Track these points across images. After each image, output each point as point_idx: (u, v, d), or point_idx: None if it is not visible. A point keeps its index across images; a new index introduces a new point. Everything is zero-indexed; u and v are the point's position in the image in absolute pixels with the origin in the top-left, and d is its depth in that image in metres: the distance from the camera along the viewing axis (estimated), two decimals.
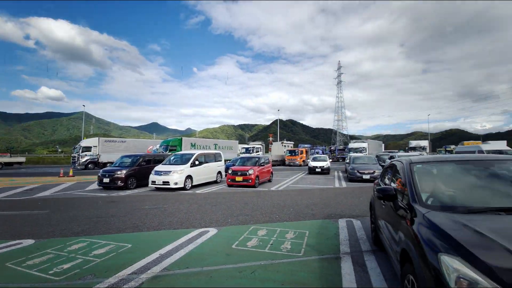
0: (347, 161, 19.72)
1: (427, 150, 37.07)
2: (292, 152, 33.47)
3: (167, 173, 11.59)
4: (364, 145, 33.14)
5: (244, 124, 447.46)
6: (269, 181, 14.57)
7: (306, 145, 52.37)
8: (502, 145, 30.09)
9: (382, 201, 3.45)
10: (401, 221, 2.55)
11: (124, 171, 12.26)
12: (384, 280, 3.18)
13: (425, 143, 39.26)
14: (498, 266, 1.43)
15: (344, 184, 13.80)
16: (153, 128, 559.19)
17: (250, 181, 12.09)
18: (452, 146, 44.57)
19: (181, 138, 24.37)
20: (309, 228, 5.51)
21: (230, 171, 12.86)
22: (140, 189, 12.26)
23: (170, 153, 17.42)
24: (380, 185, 4.27)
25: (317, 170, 19.38)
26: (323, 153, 45.47)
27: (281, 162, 34.42)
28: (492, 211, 2.12)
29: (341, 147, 52.41)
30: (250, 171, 12.25)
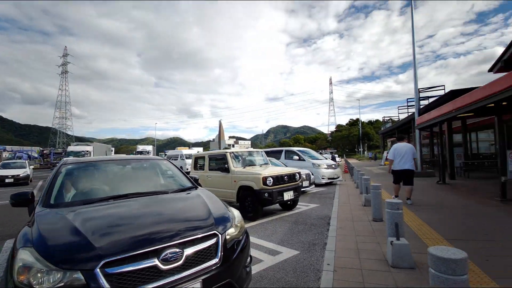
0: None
1: (151, 154, 41.82)
2: None
3: None
4: (89, 148, 29.83)
5: None
6: None
7: None
8: (200, 150, 41.99)
9: None
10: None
11: None
12: None
13: (150, 148, 43.96)
14: (58, 249, 1.69)
15: None
16: None
17: None
18: (170, 151, 54.34)
19: None
20: None
21: None
22: None
23: None
24: None
25: (7, 181, 14.25)
26: (30, 159, 34.93)
27: None
28: (105, 200, 2.50)
29: (60, 150, 43.29)
30: None
